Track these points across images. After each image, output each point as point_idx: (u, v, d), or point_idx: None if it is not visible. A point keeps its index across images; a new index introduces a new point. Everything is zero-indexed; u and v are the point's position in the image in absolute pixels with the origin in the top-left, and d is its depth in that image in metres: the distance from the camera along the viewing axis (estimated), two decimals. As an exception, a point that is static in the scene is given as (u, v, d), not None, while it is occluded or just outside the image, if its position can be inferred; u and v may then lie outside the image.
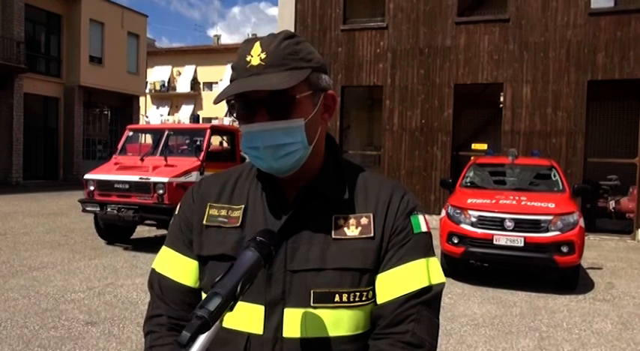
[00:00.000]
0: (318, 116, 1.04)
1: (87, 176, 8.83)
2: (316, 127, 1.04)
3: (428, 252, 1.05)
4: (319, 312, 0.99)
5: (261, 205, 1.06)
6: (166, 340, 1.06)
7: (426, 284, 1.01)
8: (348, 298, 0.99)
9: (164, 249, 1.15)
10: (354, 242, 1.01)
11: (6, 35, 21.00)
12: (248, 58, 0.99)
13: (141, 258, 7.80)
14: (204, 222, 1.09)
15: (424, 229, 1.07)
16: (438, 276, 1.05)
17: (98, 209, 8.43)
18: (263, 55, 0.98)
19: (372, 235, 1.02)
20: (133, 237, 9.29)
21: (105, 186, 8.53)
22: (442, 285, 1.05)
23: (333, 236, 1.01)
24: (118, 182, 8.43)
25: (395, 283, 1.01)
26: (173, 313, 1.09)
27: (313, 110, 1.02)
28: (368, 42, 13.36)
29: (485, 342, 4.68)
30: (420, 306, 1.00)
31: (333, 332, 0.99)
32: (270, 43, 0.99)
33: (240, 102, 1.00)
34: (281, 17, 14.13)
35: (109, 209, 8.30)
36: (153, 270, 1.15)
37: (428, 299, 1.01)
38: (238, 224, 1.05)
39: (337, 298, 0.98)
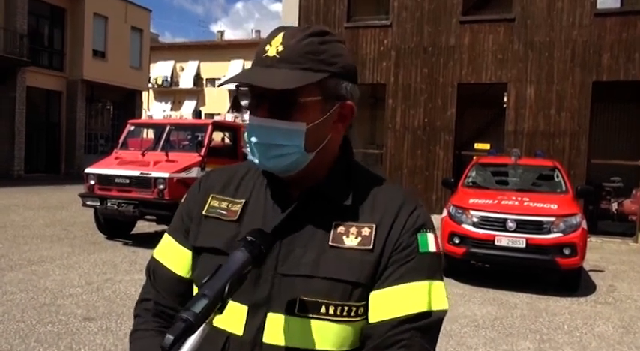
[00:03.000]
0: (328, 124, 0.98)
1: (87, 170, 8.80)
2: (323, 135, 0.98)
3: (434, 274, 0.96)
4: (303, 321, 0.93)
5: (262, 202, 1.02)
6: (150, 326, 1.06)
7: (424, 309, 0.92)
8: (335, 311, 0.92)
9: (165, 236, 1.14)
10: (352, 252, 0.95)
11: (9, 28, 20.98)
12: (267, 48, 0.94)
13: (140, 253, 7.77)
14: (203, 212, 1.06)
15: (432, 249, 0.98)
16: (440, 302, 0.95)
17: (98, 204, 8.41)
18: (280, 48, 0.93)
19: (370, 247, 0.95)
20: (133, 232, 9.26)
21: (105, 180, 8.50)
22: (443, 313, 0.95)
23: (330, 243, 0.95)
24: (119, 177, 8.40)
25: (389, 302, 0.93)
26: (161, 299, 1.08)
27: (321, 117, 0.96)
28: (372, 40, 13.30)
29: (485, 343, 4.64)
30: (413, 331, 0.91)
31: (316, 345, 0.92)
32: (292, 37, 0.93)
33: (250, 90, 0.97)
34: (285, 14, 14.08)
35: (109, 204, 8.27)
36: (152, 255, 1.14)
37: (424, 326, 0.92)
38: (236, 218, 1.02)
39: (324, 310, 0.92)
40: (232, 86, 1.02)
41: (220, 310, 0.82)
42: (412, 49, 12.96)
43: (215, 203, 1.06)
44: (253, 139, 0.96)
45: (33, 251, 7.60)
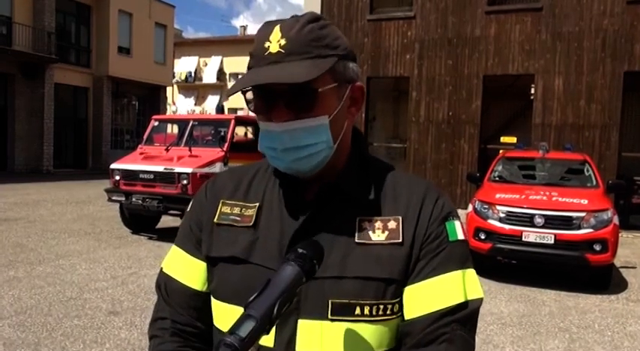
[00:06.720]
0: (343, 111, 0.94)
1: (113, 166, 8.91)
2: (341, 122, 0.94)
3: (465, 263, 0.94)
4: (337, 326, 0.88)
5: (277, 204, 0.97)
6: (168, 346, 0.99)
7: (461, 300, 0.90)
8: (371, 311, 0.88)
9: (173, 248, 1.08)
10: (380, 248, 0.90)
11: (37, 26, 21.40)
12: (266, 45, 0.88)
13: (165, 248, 7.84)
14: (215, 220, 1.00)
15: (461, 236, 0.95)
16: (475, 290, 0.92)
17: (123, 199, 8.51)
18: (283, 41, 0.87)
19: (400, 240, 0.91)
20: (158, 226, 9.36)
21: (130, 176, 8.60)
22: (480, 301, 0.93)
23: (357, 240, 0.91)
24: (143, 172, 8.48)
25: (426, 297, 0.90)
26: (178, 317, 1.01)
27: (338, 105, 0.92)
28: (395, 32, 13.14)
29: (513, 342, 4.53)
30: (454, 324, 0.88)
31: (352, 349, 0.88)
32: (291, 28, 0.88)
33: (257, 93, 0.91)
34: (306, 6, 14.00)
35: (133, 199, 8.36)
36: (161, 270, 1.08)
37: (463, 317, 0.89)
38: (251, 224, 0.96)
39: (358, 311, 0.88)
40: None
41: (267, 332, 0.74)
42: (436, 41, 12.75)
43: (226, 209, 1.00)
44: (278, 146, 0.90)
45: (60, 245, 7.74)
